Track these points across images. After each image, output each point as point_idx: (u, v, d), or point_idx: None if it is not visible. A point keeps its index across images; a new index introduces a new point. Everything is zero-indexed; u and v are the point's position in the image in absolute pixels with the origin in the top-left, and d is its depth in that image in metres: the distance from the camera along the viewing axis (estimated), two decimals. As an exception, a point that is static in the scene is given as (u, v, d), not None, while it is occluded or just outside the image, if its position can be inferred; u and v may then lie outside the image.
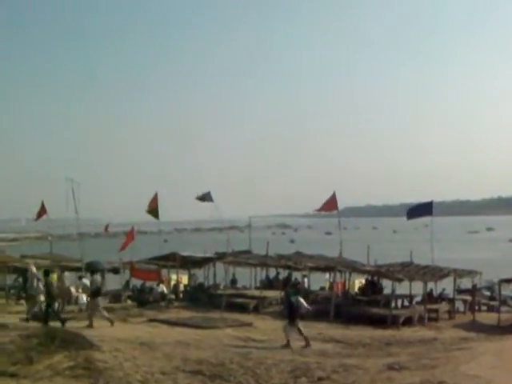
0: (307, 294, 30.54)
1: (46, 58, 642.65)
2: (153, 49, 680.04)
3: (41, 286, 22.02)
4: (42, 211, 33.66)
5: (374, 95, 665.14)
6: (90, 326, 20.74)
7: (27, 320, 21.27)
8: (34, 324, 20.17)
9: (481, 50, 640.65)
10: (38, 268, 27.18)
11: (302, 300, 20.78)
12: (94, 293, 22.05)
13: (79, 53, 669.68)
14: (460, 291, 32.05)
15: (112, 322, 21.17)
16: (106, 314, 21.81)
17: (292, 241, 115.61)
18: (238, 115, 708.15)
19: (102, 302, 23.79)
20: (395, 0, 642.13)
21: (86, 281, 31.17)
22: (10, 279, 35.72)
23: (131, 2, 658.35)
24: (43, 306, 21.67)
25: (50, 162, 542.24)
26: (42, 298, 21.77)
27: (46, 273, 22.69)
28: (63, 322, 20.70)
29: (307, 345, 18.91)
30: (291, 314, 19.87)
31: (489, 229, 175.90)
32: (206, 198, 33.34)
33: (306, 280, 33.07)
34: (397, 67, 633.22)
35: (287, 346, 18.84)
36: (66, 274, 33.25)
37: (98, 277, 23.59)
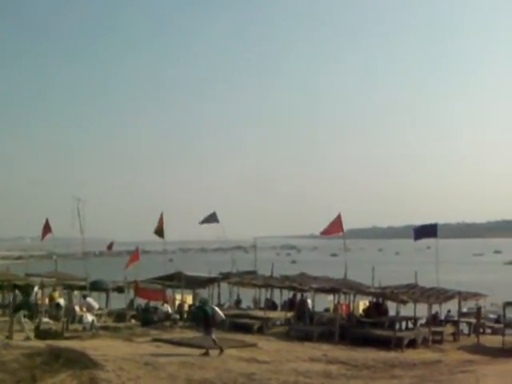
0: (311, 315, 30.56)
1: (55, 80, 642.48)
2: (156, 74, 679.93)
3: None
4: (47, 229, 33.79)
5: (385, 119, 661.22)
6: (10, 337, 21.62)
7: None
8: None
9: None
10: (43, 286, 27.36)
11: (217, 309, 21.34)
12: (17, 307, 22.95)
13: (90, 77, 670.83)
14: (464, 314, 31.91)
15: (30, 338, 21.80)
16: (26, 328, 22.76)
17: (294, 261, 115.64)
18: (243, 136, 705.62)
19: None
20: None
21: (91, 300, 31.33)
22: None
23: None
24: None
25: (56, 181, 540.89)
26: None
27: None
28: None
29: (220, 353, 20.16)
30: (206, 323, 20.87)
31: (496, 251, 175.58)
32: (211, 219, 33.39)
33: (309, 301, 32.99)
34: (404, 96, 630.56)
35: (220, 353, 20.15)
36: (75, 293, 33.36)
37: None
